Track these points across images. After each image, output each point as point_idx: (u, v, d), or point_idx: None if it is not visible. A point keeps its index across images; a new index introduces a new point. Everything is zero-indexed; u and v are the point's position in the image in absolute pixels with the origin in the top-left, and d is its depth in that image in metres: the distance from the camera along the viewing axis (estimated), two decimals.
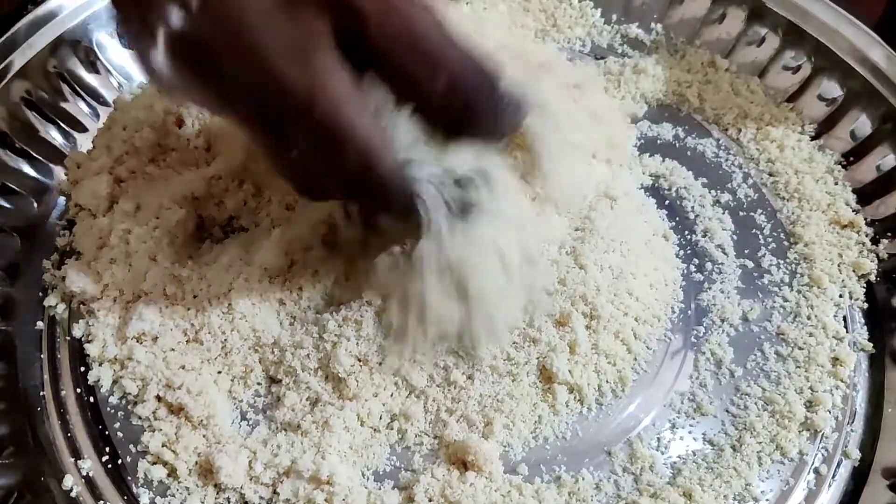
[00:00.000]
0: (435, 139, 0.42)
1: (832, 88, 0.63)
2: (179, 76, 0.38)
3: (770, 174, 0.61)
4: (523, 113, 0.44)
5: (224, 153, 0.56)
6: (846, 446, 0.49)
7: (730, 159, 0.62)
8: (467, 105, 0.40)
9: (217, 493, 0.46)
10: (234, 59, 0.36)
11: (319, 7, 0.36)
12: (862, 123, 0.61)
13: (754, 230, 0.58)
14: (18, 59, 0.60)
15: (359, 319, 0.47)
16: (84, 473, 0.47)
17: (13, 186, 0.58)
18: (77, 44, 0.64)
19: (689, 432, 0.49)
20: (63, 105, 0.62)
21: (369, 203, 0.42)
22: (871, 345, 0.53)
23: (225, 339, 0.50)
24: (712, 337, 0.53)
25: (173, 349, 0.50)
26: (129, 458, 0.48)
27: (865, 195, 0.59)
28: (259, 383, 0.50)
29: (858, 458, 0.49)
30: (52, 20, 0.62)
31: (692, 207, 0.59)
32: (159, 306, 0.50)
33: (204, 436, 0.47)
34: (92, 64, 0.64)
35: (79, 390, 0.50)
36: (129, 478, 0.47)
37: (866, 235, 0.57)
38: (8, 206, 0.58)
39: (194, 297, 0.50)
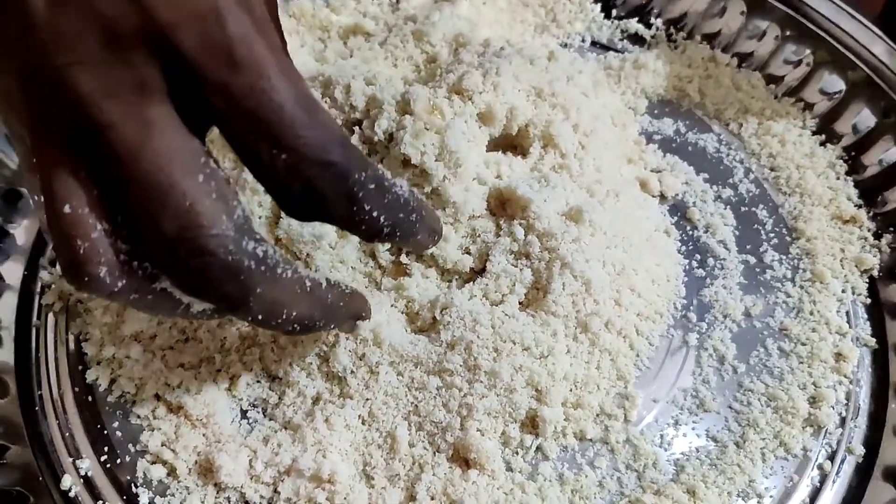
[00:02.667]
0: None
1: (834, 82, 0.63)
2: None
3: (772, 169, 0.61)
4: (413, 217, 0.40)
5: (220, 151, 0.55)
6: (850, 442, 0.49)
7: (731, 154, 0.62)
8: (309, 190, 0.35)
9: (217, 493, 0.46)
10: (62, 99, 0.32)
11: (150, 55, 0.32)
12: (864, 117, 0.61)
13: (756, 225, 0.58)
14: None
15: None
16: (82, 473, 0.47)
17: (8, 185, 0.58)
18: None
19: (693, 429, 0.49)
20: None
21: (184, 282, 0.35)
22: (875, 340, 0.53)
23: (224, 337, 0.49)
24: (715, 333, 0.52)
25: (171, 347, 0.49)
26: (128, 458, 0.47)
27: (867, 190, 0.59)
28: (259, 381, 0.49)
29: (862, 454, 0.49)
30: None
31: (694, 203, 0.59)
32: None
33: (203, 434, 0.47)
34: None
35: (76, 389, 0.50)
36: (129, 477, 0.47)
37: (868, 230, 0.57)
38: (3, 203, 0.57)
39: None
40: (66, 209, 0.33)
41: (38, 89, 0.33)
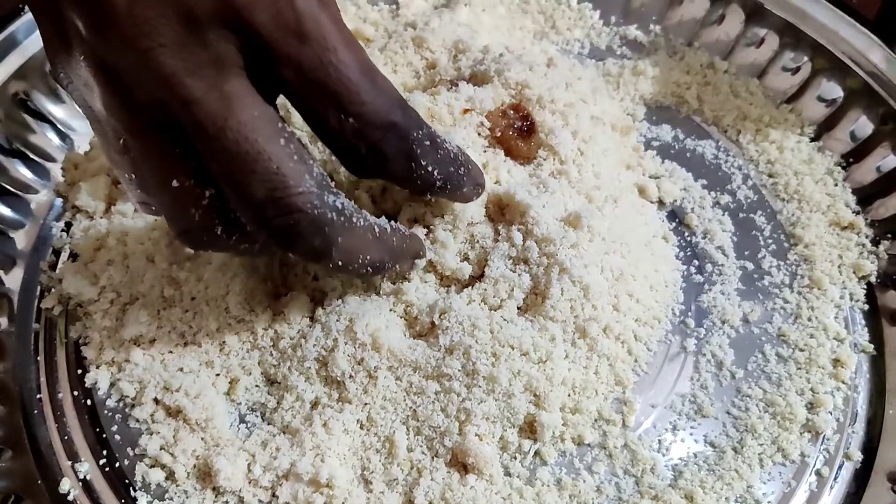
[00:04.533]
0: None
1: (832, 89, 0.63)
2: (99, 101, 0.37)
3: (770, 175, 0.61)
4: (461, 171, 0.44)
5: None
6: (848, 448, 0.49)
7: (729, 161, 0.62)
8: (374, 151, 0.40)
9: (216, 497, 0.46)
10: (147, 82, 0.35)
11: (226, 33, 0.35)
12: (861, 124, 0.61)
13: (754, 232, 0.58)
14: (14, 60, 0.60)
15: (355, 318, 0.47)
16: (81, 476, 0.47)
17: (9, 187, 0.58)
18: None
19: (691, 434, 0.49)
20: (60, 105, 0.62)
21: (276, 238, 0.38)
22: (872, 346, 0.53)
23: (223, 342, 0.49)
24: (713, 338, 0.52)
25: (171, 351, 0.50)
26: (126, 461, 0.47)
27: (865, 196, 0.59)
28: (258, 385, 0.49)
29: (860, 459, 0.49)
30: None
31: (692, 209, 0.59)
32: (157, 308, 0.50)
33: (202, 438, 0.47)
34: None
35: (76, 393, 0.50)
36: (127, 481, 0.47)
37: (866, 237, 0.57)
38: (4, 207, 0.57)
39: (192, 299, 0.50)
40: (174, 184, 0.38)
41: (125, 76, 0.36)
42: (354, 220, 0.40)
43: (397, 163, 0.41)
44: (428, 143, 0.41)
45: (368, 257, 0.42)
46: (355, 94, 0.38)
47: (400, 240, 0.44)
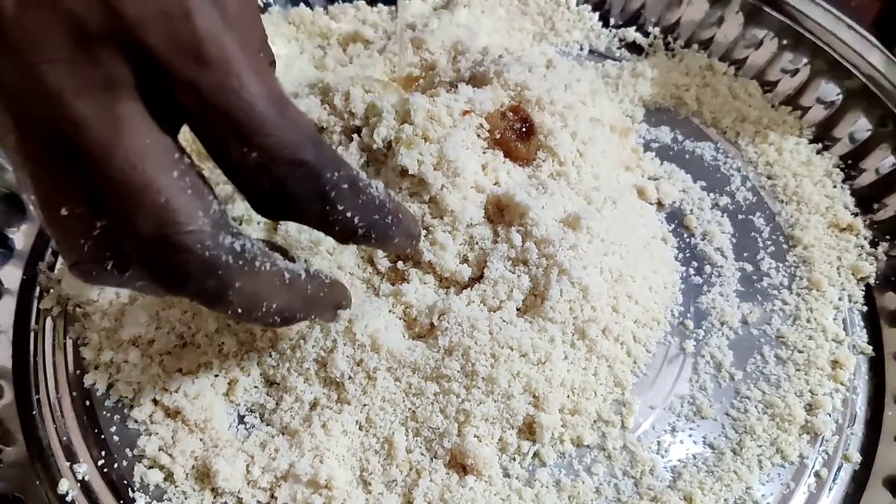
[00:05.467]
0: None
1: (830, 91, 0.63)
2: None
3: (768, 177, 0.61)
4: (389, 219, 0.40)
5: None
6: (846, 449, 0.49)
7: (728, 162, 0.62)
8: (280, 189, 0.36)
9: (214, 498, 0.45)
10: (35, 100, 0.32)
11: (119, 52, 0.32)
12: (860, 126, 0.61)
13: (753, 233, 0.58)
14: None
15: (354, 319, 0.47)
16: (80, 478, 0.47)
17: (8, 189, 0.58)
18: None
19: (690, 436, 0.49)
20: None
21: (162, 279, 0.35)
22: (871, 348, 0.53)
23: (221, 343, 0.49)
24: (712, 340, 0.52)
25: (169, 352, 0.49)
26: (125, 462, 0.47)
27: (864, 198, 0.59)
28: (256, 386, 0.49)
29: (859, 461, 0.49)
30: None
31: (691, 210, 0.59)
32: (155, 309, 0.50)
33: (201, 439, 0.47)
34: None
35: (74, 394, 0.50)
36: (126, 482, 0.47)
37: (865, 238, 0.57)
38: (3, 207, 0.57)
39: (190, 300, 0.50)
40: (64, 212, 0.34)
41: (13, 91, 0.33)
42: (258, 264, 0.36)
43: (308, 204, 0.37)
44: (346, 185, 0.37)
45: (274, 305, 0.38)
46: (259, 125, 0.34)
47: (316, 288, 0.41)
